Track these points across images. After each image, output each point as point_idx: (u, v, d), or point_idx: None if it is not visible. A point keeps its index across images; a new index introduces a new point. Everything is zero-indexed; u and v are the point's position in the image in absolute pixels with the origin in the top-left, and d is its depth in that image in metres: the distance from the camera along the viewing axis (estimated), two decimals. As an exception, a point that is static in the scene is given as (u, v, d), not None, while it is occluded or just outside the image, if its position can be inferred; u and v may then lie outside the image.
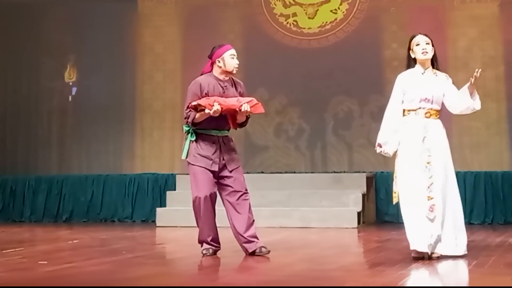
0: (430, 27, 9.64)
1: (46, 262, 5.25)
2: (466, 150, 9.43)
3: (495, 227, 8.45)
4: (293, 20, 10.19)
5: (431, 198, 5.23)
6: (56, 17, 10.90)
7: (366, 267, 5.16)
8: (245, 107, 5.51)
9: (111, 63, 10.63)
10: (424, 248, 5.18)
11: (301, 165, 9.99)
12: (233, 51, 5.67)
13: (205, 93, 5.56)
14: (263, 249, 5.59)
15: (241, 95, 5.74)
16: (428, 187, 5.25)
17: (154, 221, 9.37)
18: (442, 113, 5.54)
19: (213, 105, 5.41)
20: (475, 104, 5.40)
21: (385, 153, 5.45)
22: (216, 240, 5.70)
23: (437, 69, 5.50)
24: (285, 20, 10.21)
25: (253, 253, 5.57)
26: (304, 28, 10.16)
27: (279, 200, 8.91)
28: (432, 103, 5.37)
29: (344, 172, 9.60)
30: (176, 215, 9.08)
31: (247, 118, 5.74)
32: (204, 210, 5.59)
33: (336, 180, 9.20)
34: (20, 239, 7.77)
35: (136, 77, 10.63)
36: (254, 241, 5.61)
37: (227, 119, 5.65)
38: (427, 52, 5.40)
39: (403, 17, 9.86)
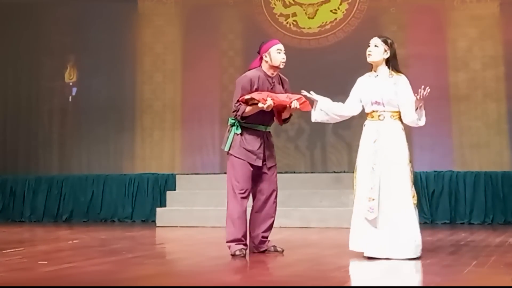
0: (430, 27, 9.68)
1: (46, 262, 5.25)
2: (466, 150, 9.43)
3: (495, 227, 8.45)
4: (293, 20, 10.20)
5: (372, 200, 5.27)
6: (56, 17, 10.90)
7: (366, 267, 5.16)
8: (295, 104, 5.59)
9: (111, 63, 10.63)
10: (360, 249, 5.33)
11: (301, 165, 9.99)
12: (280, 46, 5.73)
13: (255, 88, 5.59)
14: (278, 248, 5.72)
15: (286, 92, 5.78)
16: (371, 188, 5.29)
17: (154, 221, 9.38)
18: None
19: (267, 100, 5.46)
20: (419, 121, 5.40)
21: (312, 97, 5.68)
22: (245, 236, 5.63)
23: (395, 70, 5.48)
24: (285, 20, 10.22)
25: (262, 251, 5.66)
26: (304, 28, 10.16)
27: (279, 200, 8.77)
28: (384, 105, 5.41)
29: (344, 172, 9.60)
30: (176, 215, 9.10)
31: (290, 115, 5.83)
32: (241, 204, 5.55)
33: (336, 180, 9.20)
34: (20, 239, 7.76)
35: (136, 77, 10.64)
36: (267, 241, 5.72)
37: (273, 114, 5.71)
38: (370, 55, 5.48)
39: (403, 17, 9.86)
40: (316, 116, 5.75)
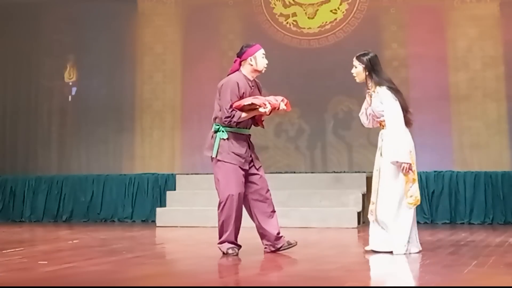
0: (430, 27, 9.67)
1: (46, 262, 5.25)
2: (466, 150, 9.43)
3: (495, 227, 8.45)
4: (293, 20, 10.20)
5: (373, 203, 5.67)
6: (56, 17, 10.90)
7: (366, 267, 5.16)
8: (282, 106, 5.62)
9: (111, 63, 10.63)
10: (370, 247, 5.65)
11: (301, 165, 9.99)
12: (263, 50, 5.77)
13: (243, 92, 5.60)
14: (292, 241, 5.76)
15: (261, 94, 5.80)
16: (373, 191, 5.72)
17: (154, 221, 9.38)
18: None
19: (267, 105, 5.50)
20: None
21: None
22: (237, 238, 5.69)
23: (376, 83, 5.69)
24: (285, 20, 10.22)
25: (279, 248, 5.70)
26: (304, 28, 10.16)
27: (279, 200, 8.85)
28: (377, 117, 5.72)
29: (344, 172, 9.60)
30: (176, 215, 9.10)
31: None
32: (237, 208, 5.56)
33: (336, 180, 9.20)
34: (20, 239, 7.76)
35: (136, 77, 10.63)
36: (281, 237, 5.74)
37: (254, 118, 5.73)
38: (355, 77, 5.81)
39: (403, 17, 9.86)
40: None
